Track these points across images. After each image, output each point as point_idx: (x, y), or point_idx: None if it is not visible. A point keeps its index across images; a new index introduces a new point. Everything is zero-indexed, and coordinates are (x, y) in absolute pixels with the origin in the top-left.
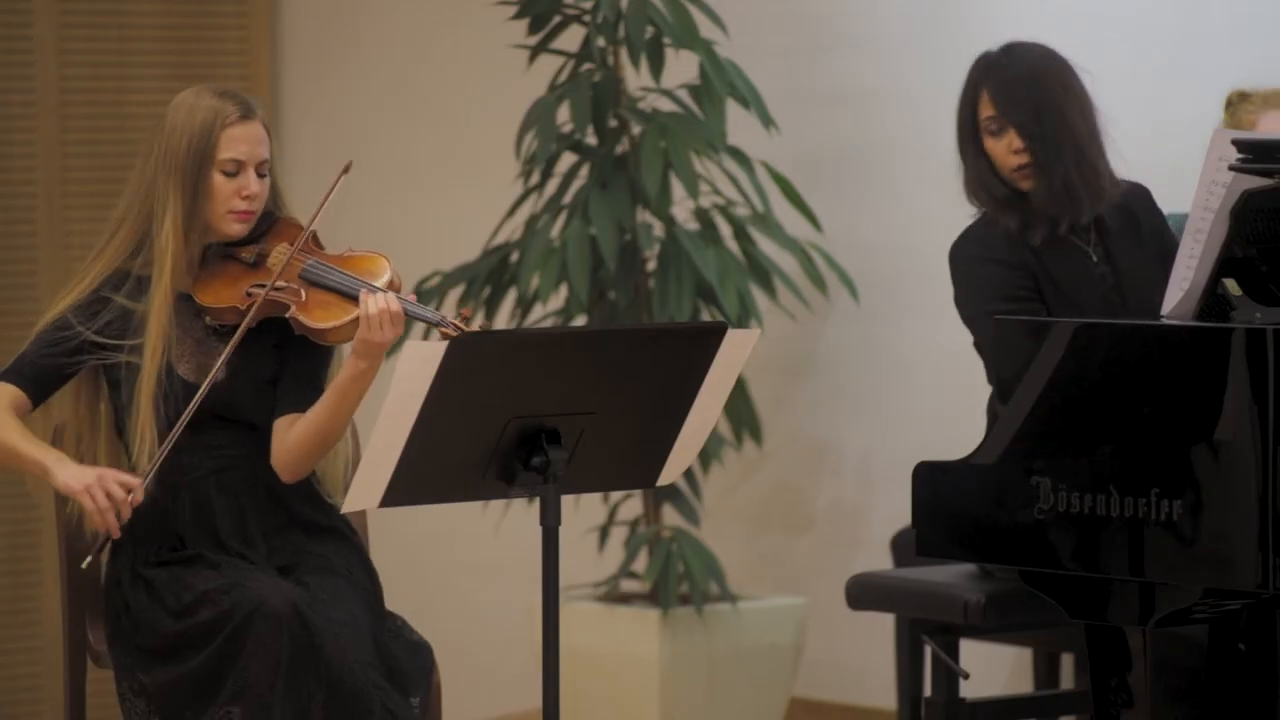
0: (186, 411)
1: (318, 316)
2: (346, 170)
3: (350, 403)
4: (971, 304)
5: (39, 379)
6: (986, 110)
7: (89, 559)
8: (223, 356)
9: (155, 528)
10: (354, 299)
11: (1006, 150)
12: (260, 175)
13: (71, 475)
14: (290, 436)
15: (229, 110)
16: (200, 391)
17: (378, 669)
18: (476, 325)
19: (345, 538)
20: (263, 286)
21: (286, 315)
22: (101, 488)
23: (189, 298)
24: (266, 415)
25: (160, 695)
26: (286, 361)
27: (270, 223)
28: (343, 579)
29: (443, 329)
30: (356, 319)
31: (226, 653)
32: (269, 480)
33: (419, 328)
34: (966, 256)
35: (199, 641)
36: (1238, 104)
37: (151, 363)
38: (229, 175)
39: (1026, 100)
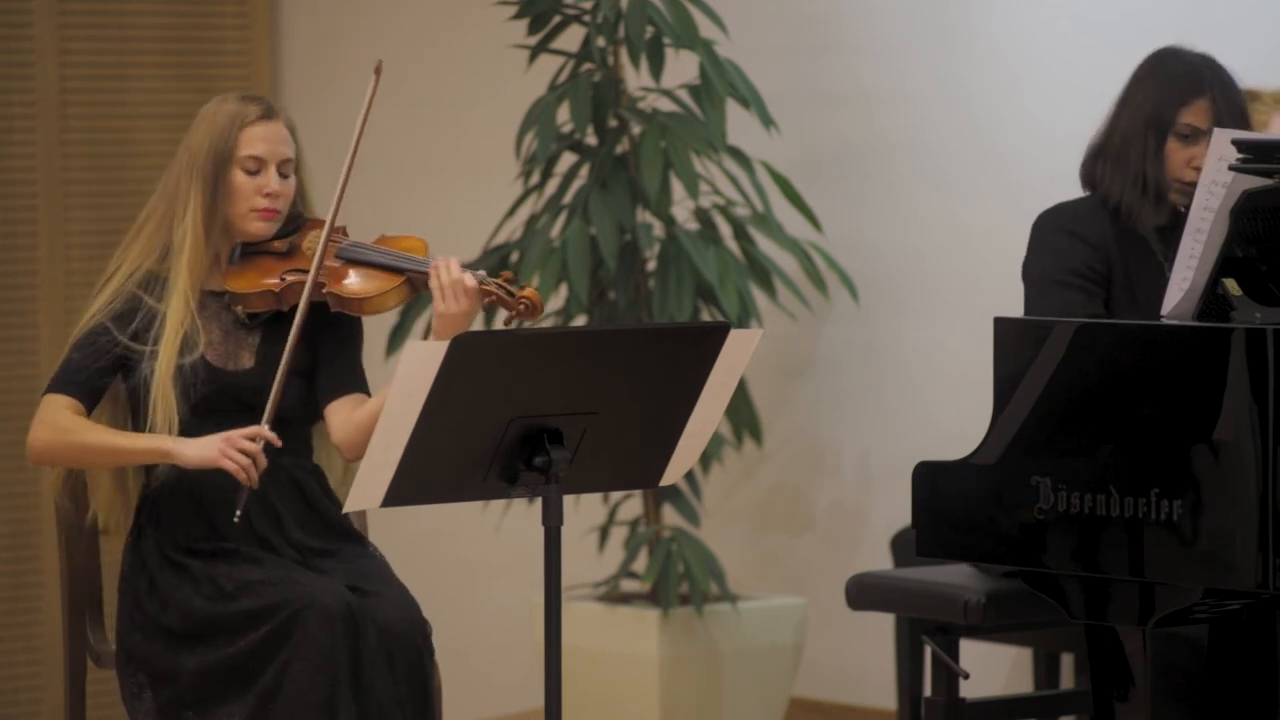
0: (293, 332)
1: (355, 288)
2: (377, 73)
3: None
4: (1039, 267)
5: (86, 385)
6: (1198, 118)
7: (239, 513)
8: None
9: (183, 513)
10: (393, 272)
11: (1186, 162)
12: (283, 175)
13: (199, 451)
14: (358, 417)
15: (250, 110)
16: (299, 316)
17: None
18: (528, 291)
19: (362, 541)
20: (299, 272)
21: (323, 293)
22: (234, 448)
23: (220, 295)
24: (297, 408)
25: (177, 683)
26: (322, 354)
27: (299, 224)
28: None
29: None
30: (396, 286)
31: (267, 646)
32: (293, 474)
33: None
34: (1055, 225)
35: (236, 629)
36: (1248, 103)
37: (167, 349)
38: (250, 173)
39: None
